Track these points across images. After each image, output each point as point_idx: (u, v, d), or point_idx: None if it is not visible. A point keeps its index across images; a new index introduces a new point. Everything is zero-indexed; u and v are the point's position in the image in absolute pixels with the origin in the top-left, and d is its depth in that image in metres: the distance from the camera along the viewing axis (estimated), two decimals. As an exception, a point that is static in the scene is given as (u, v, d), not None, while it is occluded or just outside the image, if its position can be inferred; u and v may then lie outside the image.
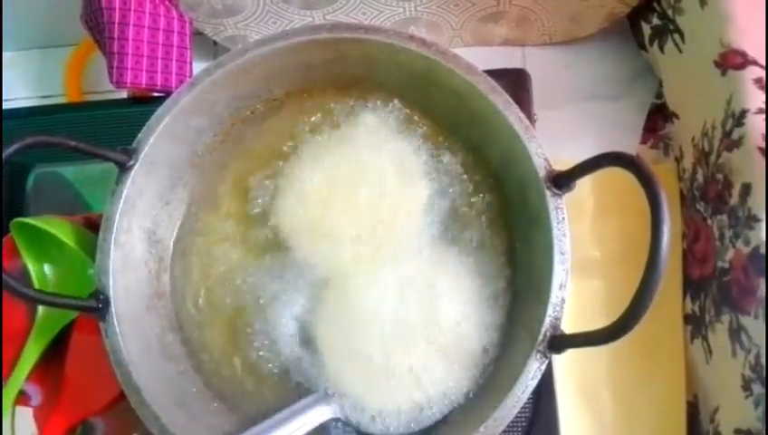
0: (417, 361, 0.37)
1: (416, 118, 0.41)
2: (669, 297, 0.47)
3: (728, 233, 0.41)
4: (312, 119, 0.42)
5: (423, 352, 0.37)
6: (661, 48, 0.49)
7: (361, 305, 0.37)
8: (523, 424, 0.43)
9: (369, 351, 0.37)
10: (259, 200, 0.41)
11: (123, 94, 0.54)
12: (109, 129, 0.51)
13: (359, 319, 0.37)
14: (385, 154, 0.40)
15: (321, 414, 0.36)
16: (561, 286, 0.34)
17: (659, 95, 0.53)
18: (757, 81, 0.39)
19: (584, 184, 0.49)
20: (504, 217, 0.40)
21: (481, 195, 0.40)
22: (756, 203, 0.38)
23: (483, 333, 0.38)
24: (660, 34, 0.49)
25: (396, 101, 0.41)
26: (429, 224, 0.39)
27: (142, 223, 0.39)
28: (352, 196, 0.39)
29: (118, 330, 0.35)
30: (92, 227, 0.41)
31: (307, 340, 0.39)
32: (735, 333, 0.39)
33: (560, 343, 0.33)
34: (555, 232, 0.34)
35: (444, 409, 0.37)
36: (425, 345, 0.37)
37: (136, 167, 0.37)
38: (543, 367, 0.33)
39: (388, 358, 0.37)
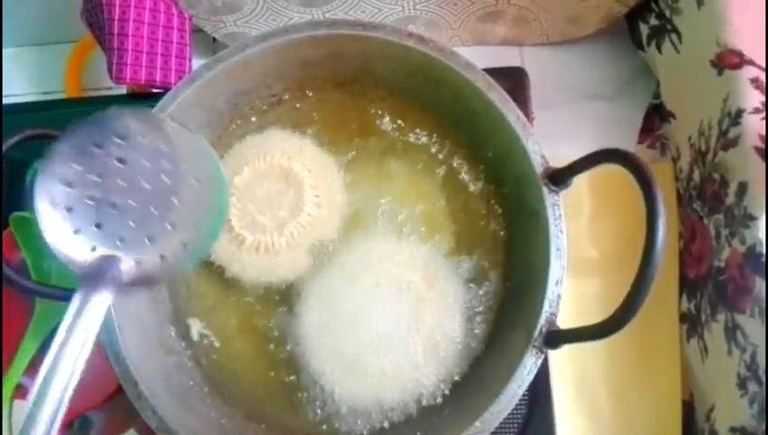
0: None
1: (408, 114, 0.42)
2: (666, 296, 0.47)
3: (724, 232, 0.41)
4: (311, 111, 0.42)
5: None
6: (659, 48, 0.50)
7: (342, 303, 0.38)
8: (519, 422, 0.43)
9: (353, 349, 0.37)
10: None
11: (123, 90, 0.54)
12: (108, 124, 0.51)
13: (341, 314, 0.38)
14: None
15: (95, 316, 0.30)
16: (557, 282, 0.34)
17: (657, 95, 0.53)
18: (753, 80, 0.40)
19: (582, 184, 0.49)
20: (501, 214, 0.40)
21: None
22: (752, 202, 0.38)
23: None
24: (658, 34, 0.49)
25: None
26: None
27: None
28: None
29: (116, 323, 0.35)
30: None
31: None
32: (731, 331, 0.40)
33: (555, 338, 0.33)
34: (552, 228, 0.34)
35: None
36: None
37: (134, 161, 0.37)
38: (539, 362, 0.33)
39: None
